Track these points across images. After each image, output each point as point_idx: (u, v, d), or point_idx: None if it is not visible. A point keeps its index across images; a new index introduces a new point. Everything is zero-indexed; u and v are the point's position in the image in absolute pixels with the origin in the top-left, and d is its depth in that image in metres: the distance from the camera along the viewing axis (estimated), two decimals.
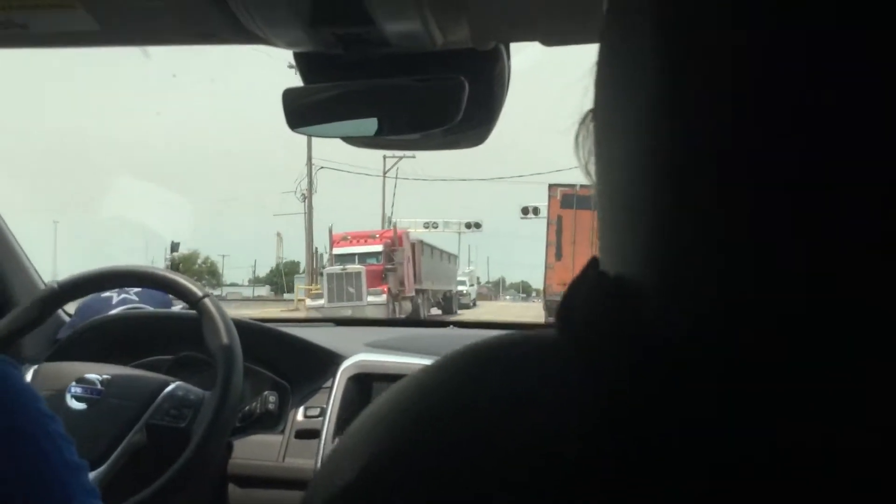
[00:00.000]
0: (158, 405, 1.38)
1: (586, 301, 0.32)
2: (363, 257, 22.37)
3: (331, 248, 23.43)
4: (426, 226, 33.67)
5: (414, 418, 0.32)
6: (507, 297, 61.87)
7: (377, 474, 0.30)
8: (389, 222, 31.95)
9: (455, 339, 1.92)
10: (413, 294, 23.84)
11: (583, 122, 0.42)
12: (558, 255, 18.98)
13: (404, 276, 22.64)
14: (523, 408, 0.30)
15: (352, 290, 21.17)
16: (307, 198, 29.99)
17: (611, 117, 0.33)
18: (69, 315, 1.90)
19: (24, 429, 0.59)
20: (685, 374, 0.28)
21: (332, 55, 1.12)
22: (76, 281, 1.51)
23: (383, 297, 21.03)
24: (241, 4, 0.93)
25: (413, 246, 24.89)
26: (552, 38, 1.04)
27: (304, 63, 1.19)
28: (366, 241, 23.04)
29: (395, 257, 22.28)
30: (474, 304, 37.91)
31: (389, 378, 1.60)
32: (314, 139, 28.17)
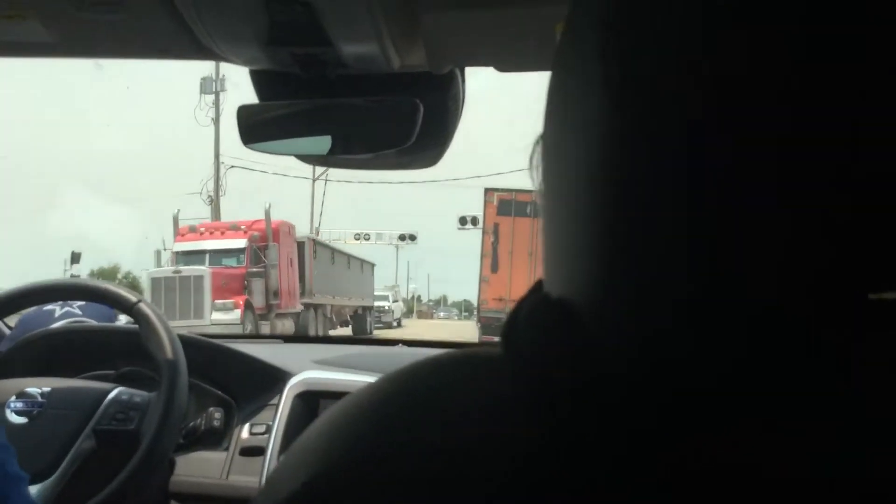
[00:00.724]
0: (104, 410, 1.36)
1: (530, 322, 0.33)
2: (217, 256, 16.22)
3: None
4: (357, 237, 32.10)
5: (358, 432, 0.32)
6: (442, 313, 58.23)
7: (318, 486, 0.31)
8: (317, 232, 28.68)
9: (403, 357, 1.93)
10: (299, 309, 18.35)
11: (535, 145, 0.43)
12: (494, 268, 17.62)
13: (281, 284, 16.77)
14: (469, 424, 0.30)
15: (188, 301, 15.22)
16: (214, 200, 25.50)
17: (560, 143, 0.33)
18: (10, 327, 1.86)
19: None
20: (628, 395, 0.28)
21: (287, 73, 1.13)
22: (4, 298, 1.48)
23: (237, 314, 15.11)
24: (199, 22, 0.93)
25: (301, 245, 18.82)
26: (506, 64, 1.06)
27: (259, 80, 1.19)
28: (223, 234, 16.74)
29: (267, 257, 16.21)
30: (398, 324, 34.51)
31: (336, 395, 1.60)
32: (222, 134, 25.83)
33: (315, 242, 20.38)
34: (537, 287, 0.36)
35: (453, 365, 0.35)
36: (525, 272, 16.96)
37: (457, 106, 1.23)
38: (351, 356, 1.83)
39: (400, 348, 2.06)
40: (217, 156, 25.92)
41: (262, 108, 1.21)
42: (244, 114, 1.19)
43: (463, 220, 21.41)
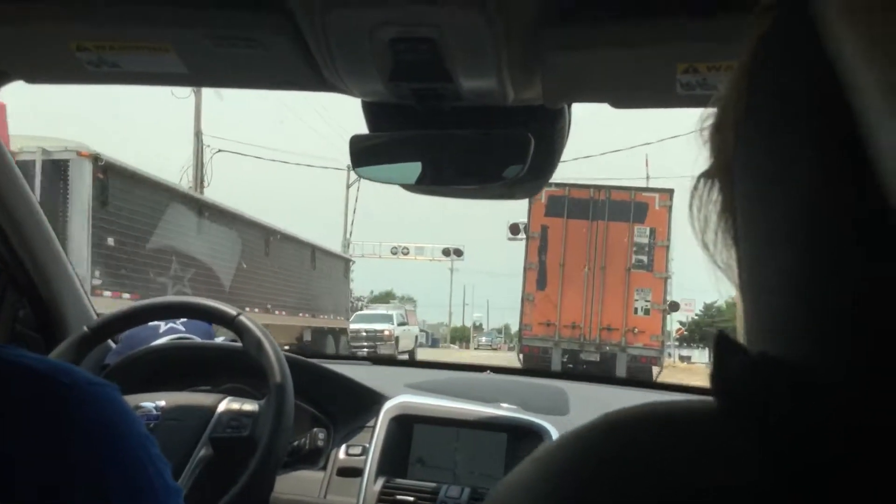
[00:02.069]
0: (218, 420, 1.42)
1: (755, 380, 0.32)
2: None
3: None
4: (394, 251, 28.90)
5: (586, 477, 0.33)
6: (483, 339, 49.22)
7: None
8: (349, 245, 27.37)
9: (491, 384, 1.94)
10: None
11: (696, 187, 0.42)
12: (541, 283, 14.54)
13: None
14: (699, 474, 0.31)
15: None
16: (196, 187, 19.34)
17: (765, 198, 0.34)
18: (115, 342, 1.94)
19: (130, 452, 0.62)
20: (869, 461, 0.28)
21: (398, 105, 1.16)
22: (104, 322, 1.55)
23: None
24: (328, 58, 0.97)
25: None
26: (622, 100, 1.07)
27: (371, 111, 1.23)
28: None
29: None
30: (411, 357, 22.59)
31: (430, 420, 1.62)
32: (204, 111, 21.49)
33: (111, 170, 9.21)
34: (726, 340, 0.35)
35: (676, 415, 0.35)
36: (580, 290, 14.48)
37: (562, 138, 1.25)
38: (442, 382, 1.84)
39: (488, 375, 2.07)
40: (199, 134, 20.07)
41: (373, 138, 1.25)
42: (356, 142, 1.22)
43: (515, 229, 16.50)
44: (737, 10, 0.80)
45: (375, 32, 0.91)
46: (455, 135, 1.17)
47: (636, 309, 14.61)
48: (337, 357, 2.35)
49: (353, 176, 26.16)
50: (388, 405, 1.63)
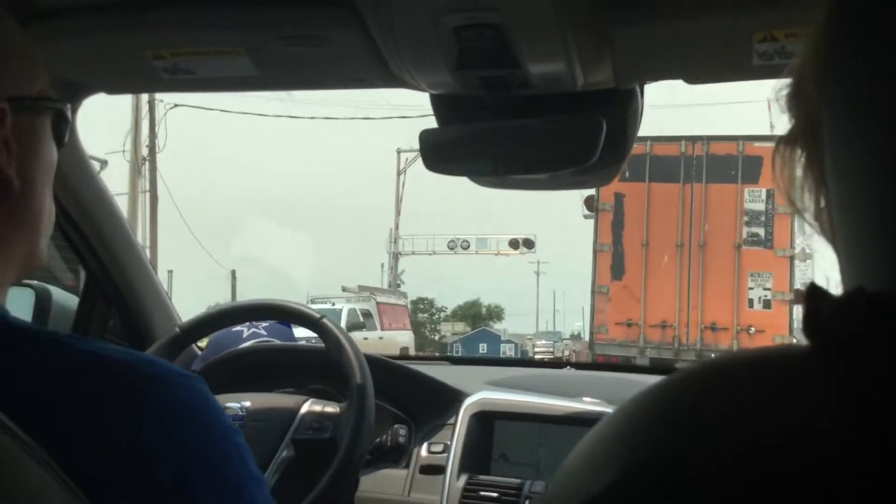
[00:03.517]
0: (300, 421, 1.44)
1: (847, 317, 0.32)
2: None
3: None
4: (451, 245, 24.54)
5: (678, 417, 0.33)
6: (542, 342, 36.93)
7: (637, 480, 0.31)
8: (396, 242, 24.32)
9: (572, 380, 1.91)
10: None
11: (777, 150, 0.42)
12: (617, 271, 11.13)
13: None
14: (785, 415, 0.30)
15: None
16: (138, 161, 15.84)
17: (852, 138, 0.33)
18: (201, 349, 1.99)
19: (218, 441, 0.63)
20: None
21: (467, 97, 1.15)
22: (195, 322, 1.60)
23: None
24: (394, 51, 0.97)
25: None
26: (696, 76, 1.04)
27: (439, 105, 1.23)
28: None
29: None
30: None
31: (511, 416, 1.60)
32: None
33: None
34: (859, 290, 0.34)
35: (765, 360, 0.35)
36: (671, 278, 10.84)
37: (635, 121, 1.22)
38: (521, 378, 1.83)
39: (568, 371, 2.04)
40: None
41: (443, 132, 1.24)
42: (426, 138, 1.22)
43: (591, 203, 11.78)
44: None
45: (440, 20, 0.90)
46: (525, 124, 1.16)
47: (752, 300, 10.71)
48: (416, 357, 2.36)
49: (404, 160, 24.71)
50: (468, 402, 1.62)
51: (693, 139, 11.08)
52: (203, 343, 1.99)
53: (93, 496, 0.54)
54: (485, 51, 0.96)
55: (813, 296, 0.33)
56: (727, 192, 10.77)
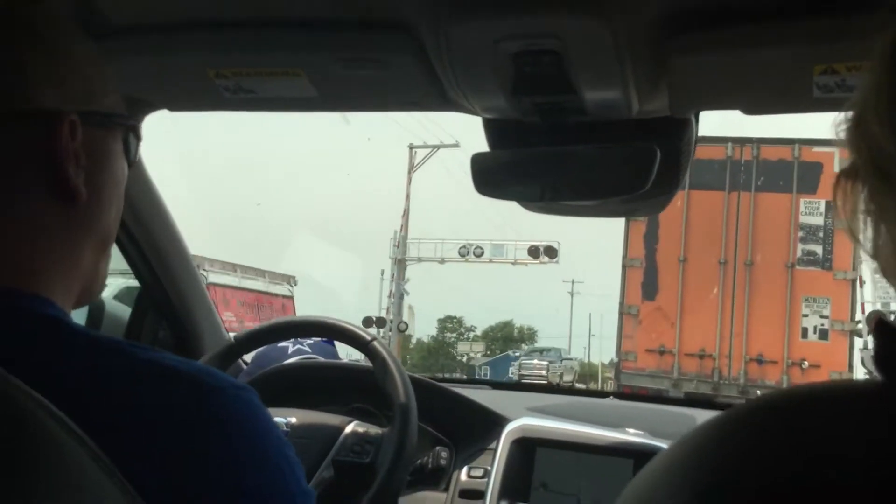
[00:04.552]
0: (342, 442, 1.45)
1: None
2: None
3: None
4: (463, 252, 21.99)
5: (751, 443, 0.33)
6: (535, 360, 27.92)
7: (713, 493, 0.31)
8: (401, 244, 21.99)
9: (615, 409, 1.89)
10: None
11: (838, 182, 0.42)
12: (650, 290, 9.77)
13: None
14: (856, 446, 0.31)
15: None
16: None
17: None
18: (246, 363, 2.01)
19: (272, 453, 0.64)
20: None
21: (519, 122, 1.16)
22: (250, 334, 1.64)
23: None
24: (451, 77, 0.98)
25: None
26: (754, 106, 1.04)
27: (492, 129, 1.23)
28: None
29: None
30: None
31: (554, 444, 1.59)
32: None
33: None
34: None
35: (829, 399, 0.35)
36: (712, 301, 9.59)
37: (689, 150, 1.22)
38: (564, 405, 1.81)
39: (612, 401, 2.02)
40: None
41: (494, 156, 1.25)
42: (478, 160, 1.23)
43: None
44: (877, 4, 0.76)
45: (498, 46, 0.91)
46: (577, 151, 1.16)
47: (806, 329, 9.36)
48: (458, 381, 2.36)
49: (418, 156, 22.80)
50: (509, 427, 1.61)
51: (741, 141, 9.81)
52: (249, 357, 2.01)
53: (149, 501, 0.55)
54: (542, 77, 0.97)
55: (883, 332, 0.33)
56: (780, 202, 9.57)
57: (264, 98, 1.11)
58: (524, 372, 23.60)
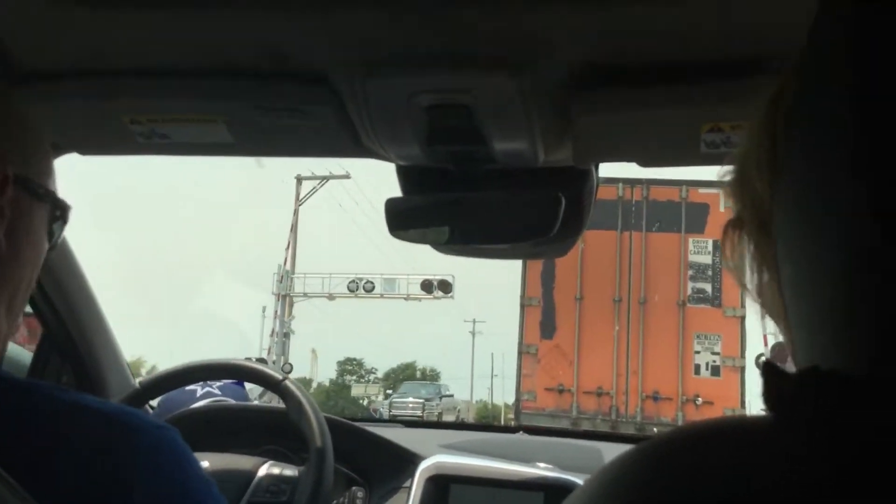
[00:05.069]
0: (257, 484, 1.44)
1: (808, 392, 0.36)
2: None
3: None
4: (352, 287, 21.08)
5: (654, 483, 0.36)
6: (410, 400, 25.68)
7: None
8: (285, 279, 20.81)
9: (525, 444, 1.94)
10: None
11: (726, 233, 0.47)
12: (548, 329, 9.84)
13: None
14: (759, 474, 0.34)
15: None
16: None
17: (803, 226, 0.38)
18: (153, 407, 1.97)
19: (195, 491, 0.65)
20: None
21: (431, 168, 1.20)
22: (156, 379, 1.62)
23: None
24: (367, 125, 1.02)
25: None
26: (649, 160, 1.11)
27: (405, 175, 1.28)
28: None
29: None
30: None
31: (467, 480, 1.62)
32: None
33: None
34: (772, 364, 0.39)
35: (730, 429, 0.38)
36: (608, 338, 9.75)
37: (591, 197, 1.29)
38: (476, 442, 1.85)
39: (521, 436, 2.07)
40: None
41: (408, 201, 1.29)
42: (391, 206, 1.27)
43: None
44: (756, 72, 0.84)
45: (413, 100, 0.96)
46: (487, 197, 1.22)
47: (698, 366, 9.62)
48: (372, 420, 2.36)
49: (305, 188, 21.51)
50: (423, 465, 1.63)
51: (632, 182, 10.09)
52: (157, 402, 1.97)
53: None
54: (454, 128, 1.01)
55: (770, 373, 0.38)
56: (670, 241, 9.87)
57: (178, 143, 1.12)
58: (395, 412, 22.03)
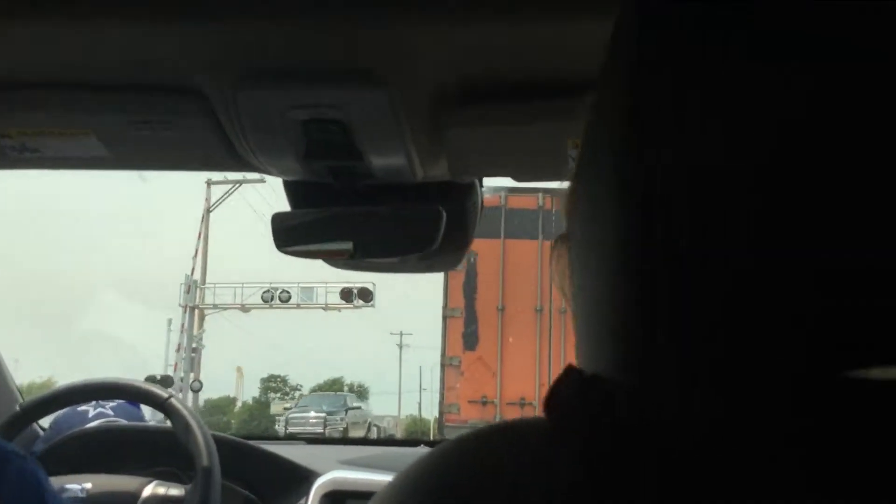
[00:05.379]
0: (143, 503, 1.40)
1: (571, 393, 0.38)
2: None
3: None
4: (266, 298, 20.09)
5: (435, 484, 0.38)
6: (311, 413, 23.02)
7: None
8: (192, 289, 19.66)
9: None
10: None
11: (554, 246, 0.49)
12: (470, 341, 9.81)
13: None
14: (513, 486, 0.35)
15: None
16: None
17: (585, 239, 0.40)
18: (44, 429, 1.91)
19: None
20: (653, 456, 0.33)
21: (318, 183, 1.21)
22: (38, 401, 1.58)
23: None
24: (243, 139, 1.02)
25: None
26: (522, 175, 1.14)
27: (292, 189, 1.28)
28: None
29: None
30: None
31: (364, 496, 1.62)
32: None
33: None
34: (571, 368, 0.41)
35: (501, 433, 0.40)
36: (530, 348, 9.73)
37: (475, 212, 1.32)
38: (376, 457, 1.85)
39: (422, 449, 2.07)
40: None
41: (294, 216, 1.29)
42: (278, 220, 1.27)
43: None
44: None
45: (286, 115, 0.96)
46: (372, 211, 1.23)
47: None
48: (272, 438, 2.34)
49: (216, 194, 20.47)
50: (319, 482, 1.63)
51: (551, 192, 9.74)
52: (47, 421, 1.91)
53: None
54: (330, 143, 1.02)
55: (562, 376, 0.40)
56: None
57: (51, 157, 1.10)
58: (294, 429, 20.06)
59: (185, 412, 1.45)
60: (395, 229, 1.22)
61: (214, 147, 1.06)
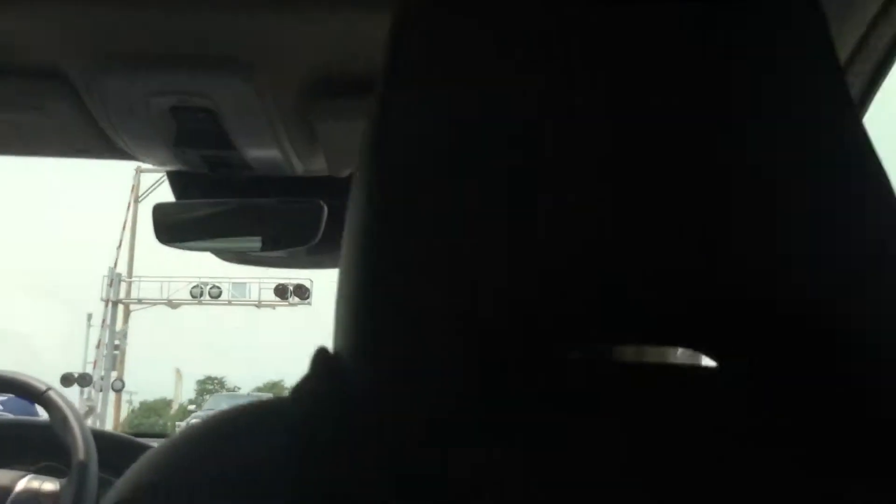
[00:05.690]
0: (14, 499, 1.38)
1: (311, 370, 0.40)
2: None
3: None
4: (195, 293, 18.68)
5: (155, 466, 0.39)
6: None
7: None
8: (115, 283, 18.39)
9: None
10: None
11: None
12: None
13: None
14: (250, 469, 0.36)
15: None
16: None
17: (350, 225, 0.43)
18: None
19: None
20: (375, 426, 0.35)
21: (201, 174, 1.19)
22: None
23: None
24: (111, 126, 1.00)
25: None
26: None
27: (175, 180, 1.26)
28: None
29: None
30: None
31: None
32: None
33: None
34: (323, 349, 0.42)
35: (245, 415, 0.41)
36: None
37: None
38: None
39: None
40: None
41: (178, 207, 1.27)
42: (160, 212, 1.25)
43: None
44: None
45: (153, 101, 0.94)
46: (256, 204, 1.22)
47: None
48: (155, 434, 2.30)
49: (144, 184, 18.37)
50: None
51: None
52: None
53: None
54: (200, 132, 1.00)
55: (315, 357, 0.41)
56: None
57: None
58: None
59: (63, 406, 1.41)
60: (277, 223, 1.21)
61: (85, 133, 1.03)
